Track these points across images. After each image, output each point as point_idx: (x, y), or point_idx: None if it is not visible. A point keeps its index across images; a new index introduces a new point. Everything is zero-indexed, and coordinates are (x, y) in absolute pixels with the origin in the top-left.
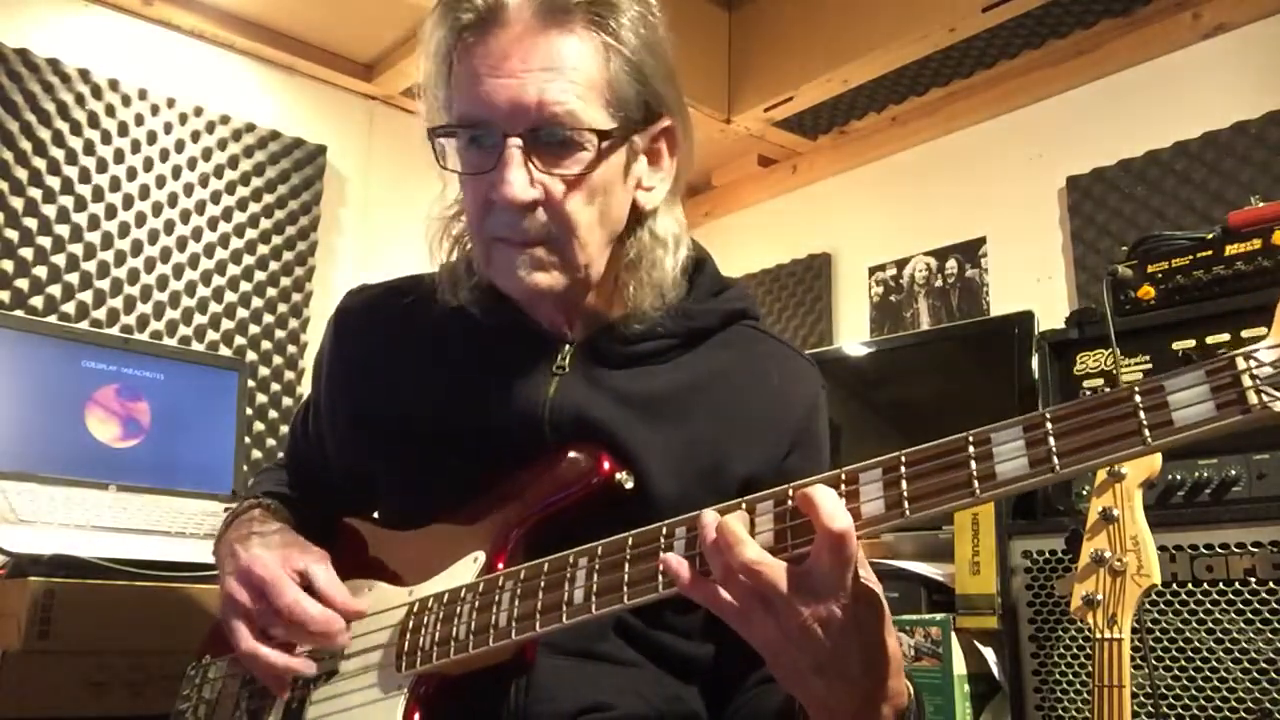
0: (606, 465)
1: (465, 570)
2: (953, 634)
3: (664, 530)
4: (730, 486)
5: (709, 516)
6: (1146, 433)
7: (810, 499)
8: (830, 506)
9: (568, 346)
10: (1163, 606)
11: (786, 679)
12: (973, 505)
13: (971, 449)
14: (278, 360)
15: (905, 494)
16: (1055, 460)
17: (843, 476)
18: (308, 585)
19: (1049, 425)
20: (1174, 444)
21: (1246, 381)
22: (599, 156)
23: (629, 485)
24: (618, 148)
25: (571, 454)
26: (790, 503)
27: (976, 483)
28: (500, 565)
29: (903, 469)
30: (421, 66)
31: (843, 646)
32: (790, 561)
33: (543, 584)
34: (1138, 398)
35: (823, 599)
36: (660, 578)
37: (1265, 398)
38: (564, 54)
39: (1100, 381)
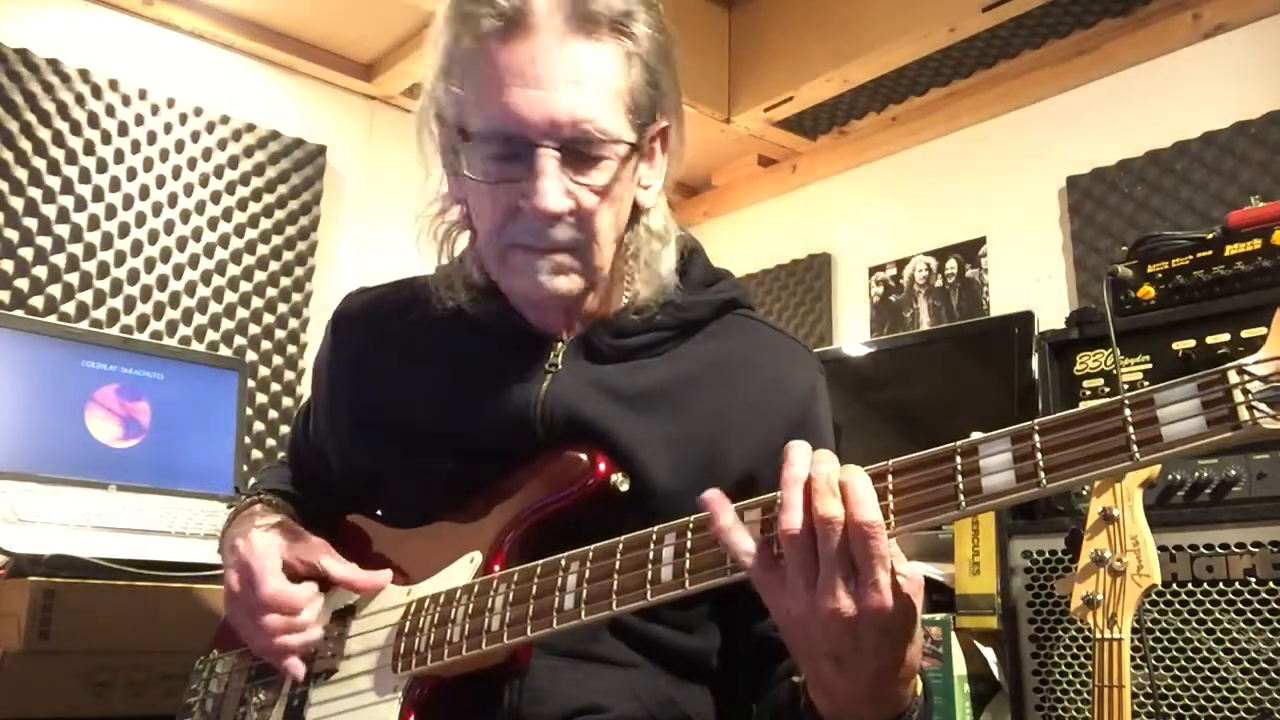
0: (602, 467)
1: (462, 570)
2: (953, 634)
3: (654, 536)
4: (728, 481)
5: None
6: (1135, 449)
7: (847, 484)
8: (862, 493)
9: (560, 344)
10: (1163, 606)
11: (799, 653)
12: (959, 519)
13: (959, 460)
14: (278, 360)
15: (891, 507)
16: (1042, 475)
17: None
18: (323, 577)
19: (1037, 438)
20: (1163, 460)
21: (1239, 397)
22: (621, 165)
23: (624, 487)
24: (634, 154)
25: (568, 455)
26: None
27: (963, 497)
28: (497, 566)
29: (890, 479)
30: (433, 63)
31: (864, 646)
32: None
33: (535, 588)
34: (1127, 411)
35: (863, 599)
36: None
37: (1257, 414)
38: (594, 64)
39: (1100, 382)
